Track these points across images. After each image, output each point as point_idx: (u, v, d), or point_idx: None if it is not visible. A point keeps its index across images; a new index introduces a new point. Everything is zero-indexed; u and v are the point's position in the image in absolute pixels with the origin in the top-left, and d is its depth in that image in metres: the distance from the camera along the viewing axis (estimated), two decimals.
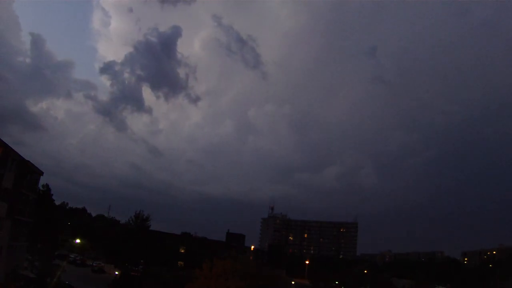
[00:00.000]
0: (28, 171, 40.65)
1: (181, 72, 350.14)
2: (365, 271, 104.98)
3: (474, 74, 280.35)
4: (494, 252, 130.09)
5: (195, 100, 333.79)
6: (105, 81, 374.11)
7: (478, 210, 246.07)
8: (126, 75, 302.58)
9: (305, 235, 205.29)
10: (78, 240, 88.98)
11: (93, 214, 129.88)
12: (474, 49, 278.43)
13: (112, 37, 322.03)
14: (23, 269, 42.66)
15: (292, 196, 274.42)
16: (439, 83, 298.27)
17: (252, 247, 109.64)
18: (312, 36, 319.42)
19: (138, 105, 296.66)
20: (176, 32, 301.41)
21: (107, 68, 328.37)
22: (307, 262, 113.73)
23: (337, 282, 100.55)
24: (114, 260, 68.12)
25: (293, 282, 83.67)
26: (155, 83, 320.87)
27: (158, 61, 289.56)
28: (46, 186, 66.87)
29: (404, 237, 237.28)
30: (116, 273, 57.26)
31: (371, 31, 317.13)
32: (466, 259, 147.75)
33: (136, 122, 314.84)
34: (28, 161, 40.25)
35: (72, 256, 71.64)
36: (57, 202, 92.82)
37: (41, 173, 46.48)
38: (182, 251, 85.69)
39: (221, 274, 34.54)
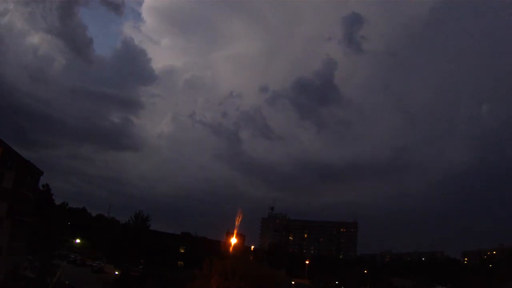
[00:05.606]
0: (28, 171, 40.63)
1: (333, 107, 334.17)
2: (365, 271, 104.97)
3: None
4: (494, 252, 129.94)
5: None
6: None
7: (478, 210, 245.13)
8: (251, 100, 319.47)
9: (305, 235, 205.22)
10: (78, 240, 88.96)
11: (93, 214, 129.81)
12: None
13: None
14: (23, 269, 42.67)
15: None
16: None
17: (252, 247, 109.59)
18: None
19: (263, 130, 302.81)
20: (329, 69, 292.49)
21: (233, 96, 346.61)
22: (307, 262, 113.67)
23: (337, 282, 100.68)
24: (114, 260, 68.22)
25: (293, 282, 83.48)
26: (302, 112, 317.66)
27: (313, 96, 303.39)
28: (46, 186, 66.83)
29: (404, 237, 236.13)
30: (116, 273, 57.25)
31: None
32: (466, 259, 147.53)
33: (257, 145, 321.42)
34: (28, 161, 40.24)
35: (72, 256, 71.56)
36: (57, 202, 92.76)
37: (41, 173, 46.47)
38: (182, 251, 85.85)
39: (221, 274, 34.53)
